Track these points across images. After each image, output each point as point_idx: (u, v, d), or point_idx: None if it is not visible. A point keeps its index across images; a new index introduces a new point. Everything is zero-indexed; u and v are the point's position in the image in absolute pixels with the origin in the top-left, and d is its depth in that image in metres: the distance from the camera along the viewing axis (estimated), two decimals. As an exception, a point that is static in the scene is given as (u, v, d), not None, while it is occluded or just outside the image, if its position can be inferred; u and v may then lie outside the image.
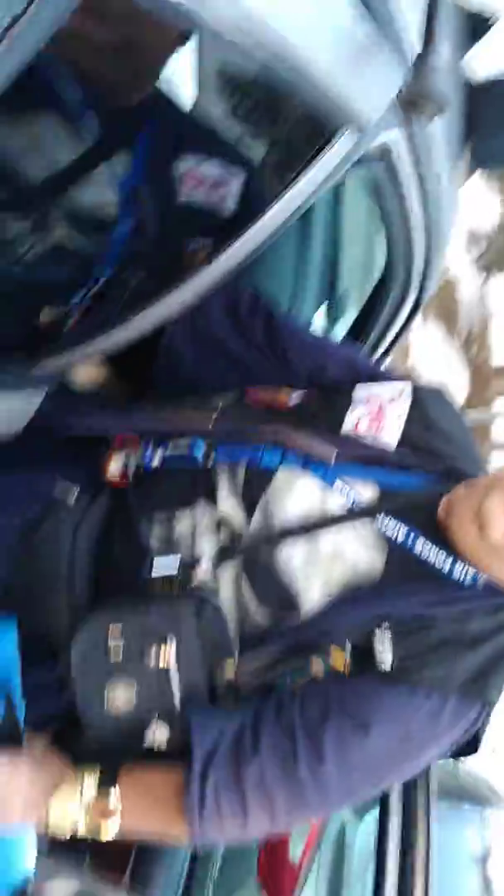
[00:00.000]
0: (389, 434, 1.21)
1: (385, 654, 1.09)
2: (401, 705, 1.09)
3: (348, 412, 1.23)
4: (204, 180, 1.29)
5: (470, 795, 3.32)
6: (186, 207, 1.29)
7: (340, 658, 1.11)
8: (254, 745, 1.08)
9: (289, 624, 1.14)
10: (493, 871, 3.63)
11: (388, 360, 1.99)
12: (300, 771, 1.07)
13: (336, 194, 2.04)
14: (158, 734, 1.11)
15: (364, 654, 1.10)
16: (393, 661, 1.09)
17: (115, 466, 1.26)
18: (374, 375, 1.31)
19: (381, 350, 1.73)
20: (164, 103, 1.34)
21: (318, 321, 2.05)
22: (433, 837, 1.52)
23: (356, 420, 1.22)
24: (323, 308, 2.07)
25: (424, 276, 1.48)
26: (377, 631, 1.10)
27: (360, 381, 1.28)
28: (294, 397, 1.27)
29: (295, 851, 1.82)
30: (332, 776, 1.08)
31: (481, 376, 8.65)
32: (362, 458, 1.19)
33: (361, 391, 1.26)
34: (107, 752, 1.11)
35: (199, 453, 1.21)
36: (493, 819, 3.76)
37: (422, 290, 1.53)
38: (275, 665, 1.13)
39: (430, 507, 1.16)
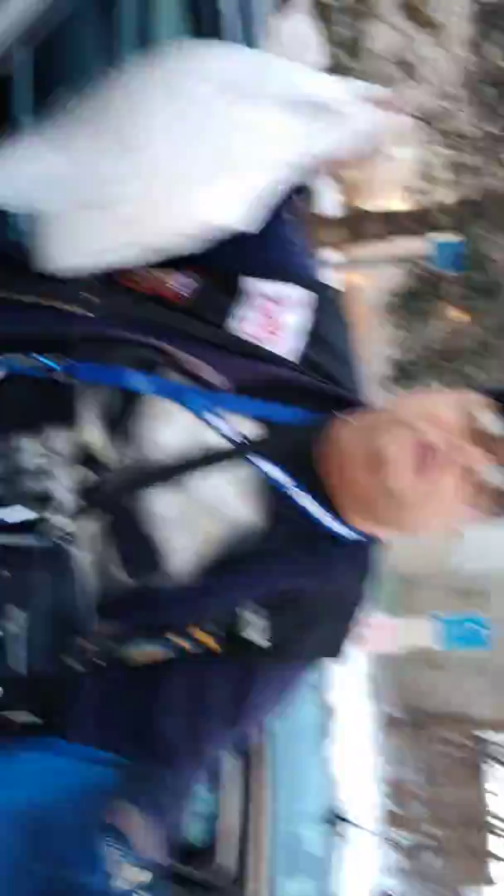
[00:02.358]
0: (282, 345, 1.07)
1: (258, 635, 1.01)
2: (268, 684, 1.04)
3: (238, 310, 1.07)
4: None
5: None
6: None
7: (208, 638, 1.01)
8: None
9: (154, 590, 1.01)
10: (328, 693, 4.05)
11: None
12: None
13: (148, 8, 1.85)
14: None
15: (234, 633, 1.01)
16: (264, 640, 1.01)
17: None
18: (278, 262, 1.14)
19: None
20: None
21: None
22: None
23: (247, 322, 1.07)
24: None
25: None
26: (250, 613, 1.01)
27: (256, 265, 1.11)
28: (180, 286, 1.08)
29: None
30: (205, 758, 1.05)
31: (309, 226, 8.60)
32: (249, 382, 1.04)
33: (251, 285, 1.09)
34: None
35: (53, 367, 1.01)
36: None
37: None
38: (131, 635, 1.01)
39: (311, 448, 1.05)
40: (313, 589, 1.04)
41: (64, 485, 1.01)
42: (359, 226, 8.23)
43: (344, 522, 1.06)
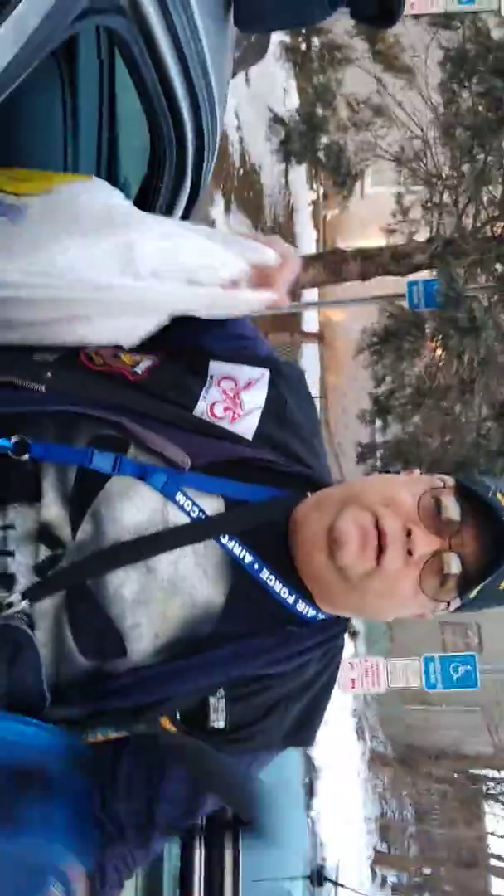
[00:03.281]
0: (245, 426, 1.08)
1: (218, 721, 1.00)
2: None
3: (203, 392, 1.08)
4: None
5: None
6: None
7: (167, 723, 1.00)
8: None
9: (113, 675, 0.99)
10: (314, 751, 4.03)
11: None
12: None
13: (109, 74, 1.87)
14: None
15: (196, 718, 1.00)
16: (226, 726, 1.00)
17: None
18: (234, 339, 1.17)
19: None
20: None
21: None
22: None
23: (211, 403, 1.08)
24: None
25: (200, 147, 1.36)
26: (212, 699, 1.00)
27: (216, 340, 1.14)
28: (140, 366, 1.09)
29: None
30: (156, 850, 1.04)
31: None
32: (213, 463, 1.04)
33: (216, 368, 1.11)
34: None
35: (8, 446, 1.00)
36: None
37: (200, 162, 1.41)
38: (86, 720, 0.98)
39: (279, 525, 1.06)
40: (279, 677, 1.02)
41: (21, 562, 0.99)
42: (337, 265, 8.30)
43: (312, 603, 1.06)
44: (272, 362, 1.16)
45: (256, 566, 1.03)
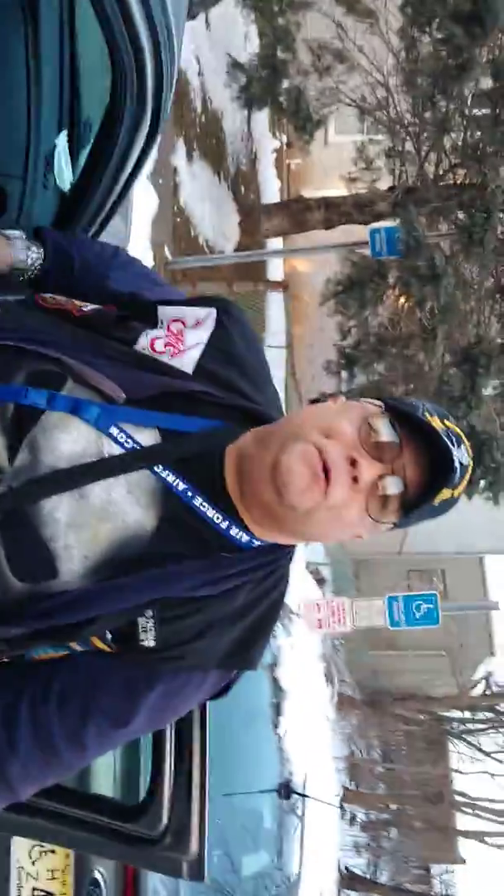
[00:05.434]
0: (185, 360, 1.10)
1: (148, 641, 1.03)
2: (160, 691, 1.05)
3: (149, 329, 1.11)
4: None
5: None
6: None
7: (100, 643, 1.04)
8: (10, 746, 1.02)
9: (45, 597, 1.02)
10: (281, 674, 4.18)
11: (141, 183, 1.91)
12: (64, 761, 1.06)
13: (69, 16, 1.87)
14: None
15: (127, 637, 1.03)
16: (156, 645, 1.03)
17: None
18: (164, 293, 1.24)
19: (126, 172, 1.63)
20: None
21: (62, 149, 1.92)
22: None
23: (152, 340, 1.10)
24: (64, 136, 1.94)
25: (159, 69, 1.39)
26: (141, 620, 1.02)
27: (146, 295, 1.19)
28: (88, 306, 1.14)
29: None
30: (93, 755, 1.08)
31: (252, 216, 8.63)
32: (152, 396, 1.06)
33: (165, 312, 1.14)
34: None
35: None
36: (280, 631, 4.23)
37: (159, 87, 1.44)
38: (24, 643, 1.04)
39: (214, 455, 1.08)
40: (210, 601, 1.05)
41: None
42: (301, 214, 8.28)
43: (246, 530, 1.08)
44: (220, 302, 1.19)
45: (189, 493, 1.05)
